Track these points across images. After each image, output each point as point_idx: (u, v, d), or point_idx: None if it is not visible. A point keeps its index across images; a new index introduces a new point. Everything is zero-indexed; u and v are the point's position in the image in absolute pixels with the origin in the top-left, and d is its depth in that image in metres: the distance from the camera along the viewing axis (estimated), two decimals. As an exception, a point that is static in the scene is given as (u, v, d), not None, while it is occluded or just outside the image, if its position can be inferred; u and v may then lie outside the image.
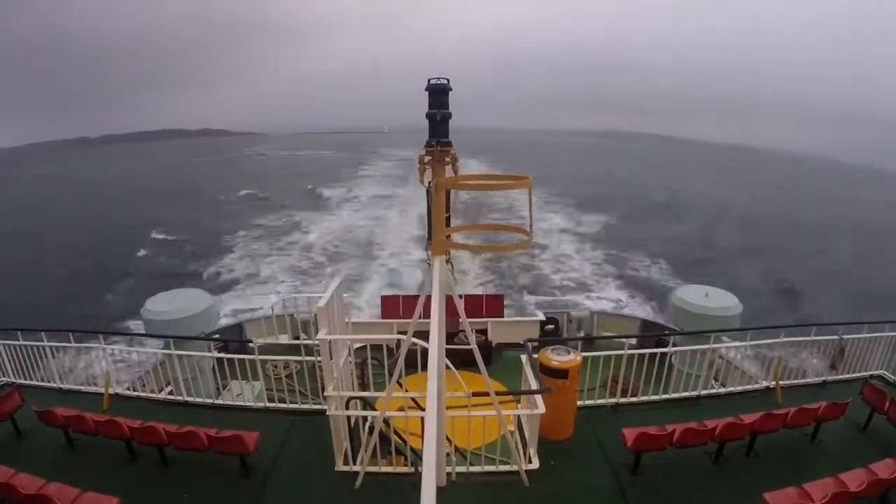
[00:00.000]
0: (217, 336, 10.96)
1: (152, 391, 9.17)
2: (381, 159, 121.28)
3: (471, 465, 6.85)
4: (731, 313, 9.50)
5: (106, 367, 8.90)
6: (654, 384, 8.75)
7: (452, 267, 6.07)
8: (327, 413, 6.50)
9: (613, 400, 8.61)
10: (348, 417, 6.72)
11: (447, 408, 6.20)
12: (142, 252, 44.42)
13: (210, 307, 9.71)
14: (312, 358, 8.39)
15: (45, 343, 9.32)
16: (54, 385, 9.27)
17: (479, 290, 29.91)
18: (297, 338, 12.02)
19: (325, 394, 6.48)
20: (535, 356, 7.68)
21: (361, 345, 9.28)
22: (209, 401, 8.82)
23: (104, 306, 30.95)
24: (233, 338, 11.92)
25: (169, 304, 9.32)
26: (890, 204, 72.73)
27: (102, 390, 8.66)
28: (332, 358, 6.35)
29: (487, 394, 6.25)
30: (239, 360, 8.78)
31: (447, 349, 6.05)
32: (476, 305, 12.14)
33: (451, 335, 8.66)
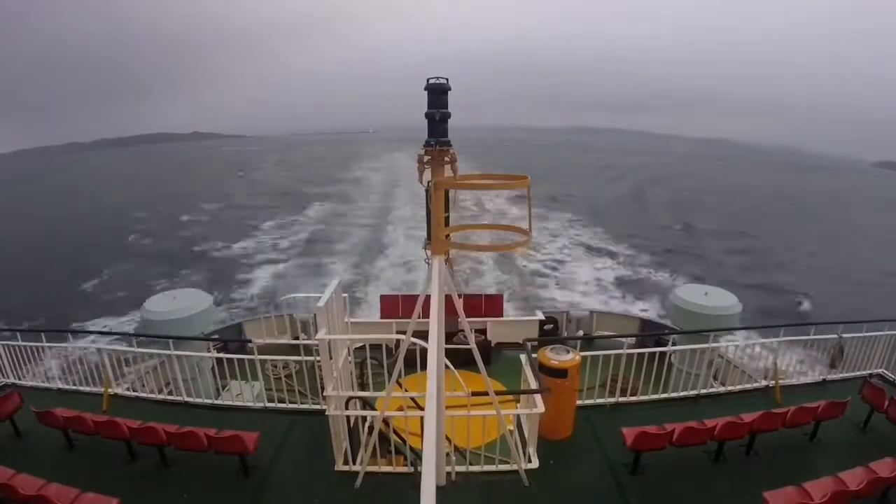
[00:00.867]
0: (216, 336, 10.96)
1: (152, 391, 9.16)
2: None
3: (470, 464, 6.85)
4: (731, 312, 9.51)
5: (106, 367, 8.90)
6: (654, 383, 8.75)
7: (452, 267, 6.07)
8: (327, 413, 6.50)
9: (613, 399, 8.61)
10: (348, 417, 6.72)
11: (447, 407, 6.20)
12: (144, 250, 44.90)
13: (210, 307, 9.71)
14: (312, 358, 8.39)
15: (45, 343, 9.31)
16: (54, 385, 9.26)
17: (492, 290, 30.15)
18: (297, 338, 12.02)
19: (324, 394, 6.47)
20: (534, 356, 7.69)
21: (361, 344, 9.28)
22: (209, 401, 8.81)
23: (104, 306, 30.97)
24: (232, 338, 11.91)
25: (168, 305, 9.32)
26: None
27: (102, 390, 8.65)
28: (331, 358, 6.35)
29: (487, 393, 6.26)
30: (238, 360, 8.78)
31: (446, 349, 6.05)
32: (475, 305, 12.14)
33: (451, 335, 8.66)
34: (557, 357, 7.66)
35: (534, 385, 7.06)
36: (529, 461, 7.02)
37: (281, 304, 12.92)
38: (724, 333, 9.49)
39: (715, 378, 10.02)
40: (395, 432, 6.90)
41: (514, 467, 6.71)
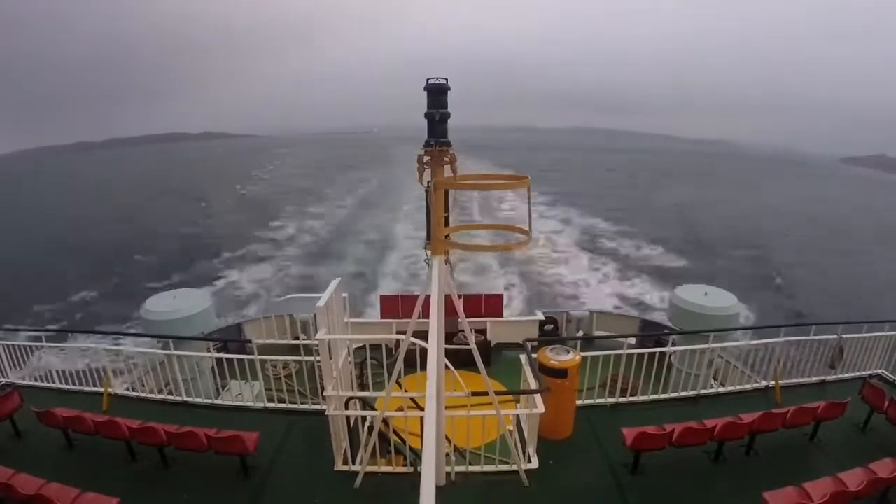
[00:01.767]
0: (216, 336, 10.96)
1: (152, 391, 9.16)
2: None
3: (470, 464, 6.85)
4: (731, 313, 9.50)
5: (106, 367, 8.90)
6: (654, 384, 8.75)
7: (451, 267, 6.07)
8: (326, 413, 6.50)
9: (612, 399, 8.61)
10: (347, 417, 6.72)
11: (446, 407, 6.20)
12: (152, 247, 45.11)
13: (209, 307, 9.71)
14: (312, 358, 8.39)
15: (45, 343, 9.32)
16: (54, 385, 9.26)
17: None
18: (297, 338, 12.02)
19: (324, 394, 6.47)
20: (534, 356, 7.69)
21: (360, 345, 9.28)
22: (208, 401, 8.82)
23: (104, 306, 30.98)
24: (232, 338, 11.91)
25: (168, 305, 9.32)
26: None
27: (102, 390, 8.65)
28: (331, 358, 6.35)
29: (486, 393, 6.26)
30: (238, 360, 8.78)
31: (446, 349, 6.05)
32: (475, 305, 12.14)
33: (451, 335, 8.66)
34: (557, 357, 7.66)
35: (534, 385, 7.06)
36: (529, 461, 7.02)
37: (281, 304, 12.93)
38: (724, 333, 9.50)
39: (715, 378, 10.02)
40: (395, 432, 6.90)
41: (514, 467, 6.71)
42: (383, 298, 12.88)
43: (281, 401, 8.67)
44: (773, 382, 8.92)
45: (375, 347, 8.18)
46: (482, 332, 11.72)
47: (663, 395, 8.78)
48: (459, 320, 6.26)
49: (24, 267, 39.04)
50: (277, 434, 7.66)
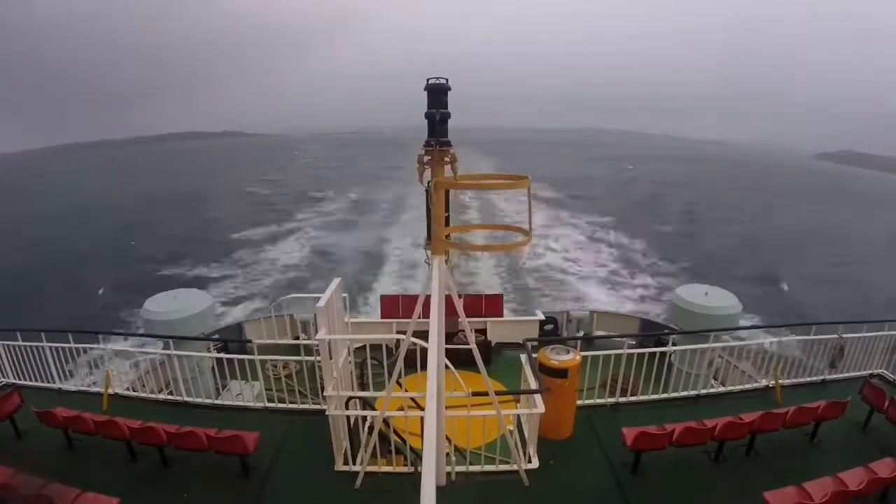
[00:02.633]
0: (216, 336, 10.96)
1: (152, 391, 9.17)
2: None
3: (470, 464, 6.85)
4: (731, 312, 9.50)
5: (106, 367, 8.90)
6: (654, 383, 8.75)
7: (452, 267, 6.06)
8: (327, 413, 6.50)
9: (613, 399, 8.60)
10: (348, 417, 6.72)
11: (447, 407, 6.20)
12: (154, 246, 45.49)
13: (210, 307, 9.70)
14: (312, 358, 8.38)
15: (45, 344, 9.31)
16: (54, 386, 9.26)
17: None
18: (297, 338, 12.01)
19: (324, 394, 6.47)
20: (534, 356, 7.68)
21: (361, 345, 9.27)
22: (209, 401, 8.81)
23: (104, 306, 30.96)
24: (232, 338, 11.91)
25: (168, 305, 9.32)
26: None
27: (102, 390, 8.65)
28: (331, 358, 6.35)
29: (487, 393, 6.25)
30: (238, 360, 8.78)
31: (446, 349, 6.05)
32: (475, 305, 12.14)
33: (451, 335, 8.66)
34: (557, 357, 7.66)
35: (534, 385, 7.06)
36: (529, 461, 7.02)
37: (281, 304, 12.92)
38: (725, 333, 9.49)
39: (715, 378, 10.02)
40: (395, 432, 6.90)
41: (515, 467, 6.71)
42: (384, 298, 12.88)
43: (281, 401, 8.67)
44: (774, 382, 8.91)
45: (376, 347, 8.18)
46: (482, 331, 11.72)
47: (664, 395, 8.77)
48: (459, 320, 6.26)
49: (24, 266, 39.03)
50: (277, 434, 7.65)
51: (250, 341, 9.20)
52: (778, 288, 36.92)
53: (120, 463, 6.99)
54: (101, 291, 33.30)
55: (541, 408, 6.73)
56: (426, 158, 5.44)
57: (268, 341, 10.64)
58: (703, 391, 8.89)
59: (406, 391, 6.52)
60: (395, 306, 12.24)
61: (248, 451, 6.68)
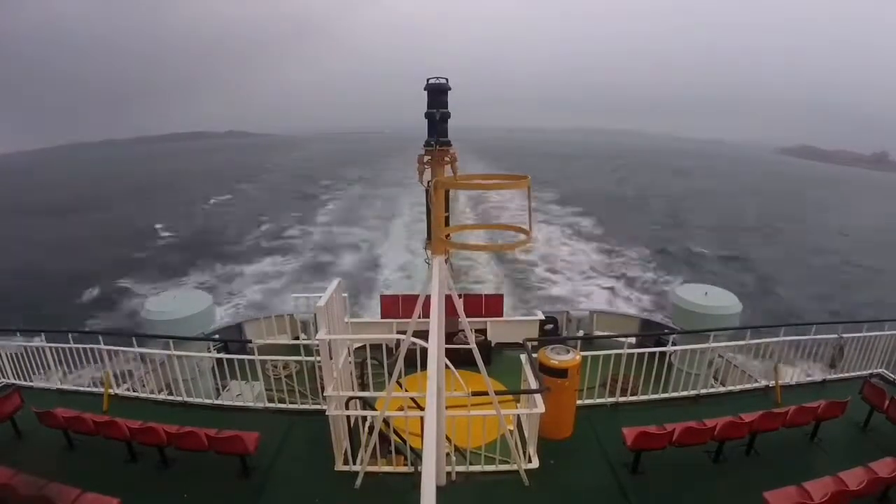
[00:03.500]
0: (217, 336, 10.96)
1: (152, 392, 9.17)
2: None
3: (470, 464, 6.85)
4: (731, 312, 9.50)
5: (106, 367, 8.90)
6: (654, 383, 8.75)
7: (452, 266, 6.07)
8: (327, 413, 6.50)
9: (613, 399, 8.61)
10: (348, 417, 6.72)
11: (447, 407, 6.20)
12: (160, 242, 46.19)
13: (210, 307, 9.70)
14: (312, 358, 8.38)
15: (45, 344, 9.31)
16: (54, 386, 9.26)
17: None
18: (297, 338, 12.01)
19: (324, 394, 6.47)
20: (534, 355, 7.68)
21: (361, 344, 9.27)
22: (209, 401, 8.81)
23: (104, 306, 30.97)
24: (232, 338, 11.91)
25: (169, 305, 9.32)
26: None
27: (102, 391, 8.65)
28: (331, 358, 6.35)
29: (487, 393, 6.26)
30: (238, 360, 8.78)
31: (446, 349, 6.05)
32: (475, 305, 12.14)
33: (451, 335, 8.67)
34: (557, 357, 7.66)
35: (534, 385, 7.06)
36: (529, 461, 7.02)
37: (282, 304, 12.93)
38: (724, 333, 9.50)
39: (715, 378, 10.02)
40: (396, 432, 6.90)
41: (515, 467, 6.71)
42: (384, 298, 12.88)
43: (281, 401, 8.67)
44: (774, 382, 8.91)
45: (376, 347, 8.18)
46: (482, 331, 11.71)
47: (664, 395, 8.77)
48: (459, 320, 6.26)
49: (23, 266, 39.02)
50: (277, 434, 7.65)
51: (250, 341, 9.20)
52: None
53: (120, 463, 6.99)
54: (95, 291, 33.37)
55: (541, 408, 6.73)
56: (426, 158, 5.44)
57: (268, 341, 10.65)
58: (703, 391, 8.89)
59: (406, 391, 6.52)
60: (395, 306, 12.24)
61: (248, 452, 6.68)
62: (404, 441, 6.71)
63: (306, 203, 66.37)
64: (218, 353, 9.43)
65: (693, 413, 7.54)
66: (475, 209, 56.85)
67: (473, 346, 6.15)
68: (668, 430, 6.76)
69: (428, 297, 5.45)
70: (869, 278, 38.70)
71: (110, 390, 8.64)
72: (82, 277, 36.09)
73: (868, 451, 6.91)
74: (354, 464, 6.79)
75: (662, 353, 8.80)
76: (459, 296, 6.52)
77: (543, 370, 7.48)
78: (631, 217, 57.13)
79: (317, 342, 6.32)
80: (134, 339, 9.10)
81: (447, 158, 5.37)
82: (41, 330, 9.67)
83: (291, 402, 8.64)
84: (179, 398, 8.75)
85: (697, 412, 7.67)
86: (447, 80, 5.20)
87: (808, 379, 9.39)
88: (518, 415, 7.55)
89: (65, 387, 9.27)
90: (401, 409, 6.49)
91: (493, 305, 12.46)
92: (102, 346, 9.17)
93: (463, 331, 8.42)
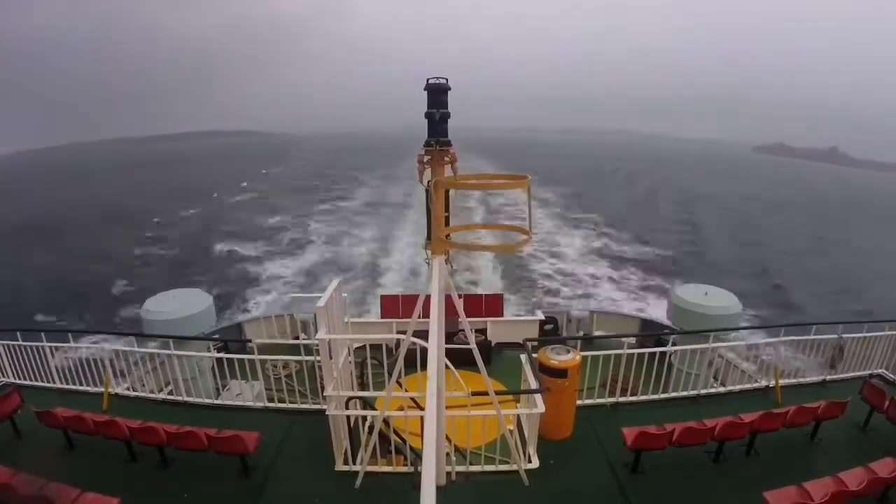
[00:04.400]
0: (216, 336, 10.95)
1: (152, 391, 9.17)
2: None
3: (470, 464, 6.85)
4: (731, 312, 9.50)
5: (106, 367, 8.90)
6: (654, 383, 8.75)
7: (452, 266, 6.06)
8: (327, 413, 6.50)
9: (613, 399, 8.60)
10: (348, 417, 6.72)
11: (447, 407, 6.20)
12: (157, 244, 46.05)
13: (209, 307, 9.70)
14: (312, 358, 8.38)
15: (45, 343, 9.31)
16: (54, 385, 9.25)
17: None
18: (297, 338, 12.01)
19: (324, 393, 6.47)
20: (534, 356, 7.68)
21: (361, 344, 9.27)
22: (209, 401, 8.81)
23: (104, 306, 30.96)
24: (232, 338, 11.91)
25: (168, 304, 9.31)
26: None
27: (102, 390, 8.65)
28: (331, 358, 6.35)
29: (487, 393, 6.25)
30: (238, 360, 8.78)
31: (446, 349, 6.05)
32: (475, 305, 12.14)
33: (451, 335, 8.67)
34: (557, 357, 7.65)
35: (534, 385, 7.06)
36: (529, 461, 7.02)
37: (282, 304, 12.93)
38: (724, 333, 9.49)
39: (715, 378, 10.02)
40: (396, 432, 6.90)
41: (515, 467, 6.71)
42: (384, 298, 12.88)
43: (281, 401, 8.67)
44: (774, 382, 8.91)
45: (376, 347, 8.18)
46: (482, 331, 11.71)
47: (663, 395, 8.77)
48: (459, 320, 6.26)
49: (24, 266, 39.02)
50: (277, 434, 7.65)
51: (250, 341, 9.19)
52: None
53: (120, 463, 6.99)
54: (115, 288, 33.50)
55: (541, 408, 6.73)
56: (426, 158, 5.44)
57: (268, 341, 10.65)
58: (703, 391, 8.89)
59: (406, 391, 6.52)
60: (395, 306, 12.25)
61: (248, 451, 6.68)
62: (404, 441, 6.71)
63: (305, 200, 66.59)
64: (218, 352, 9.43)
65: (693, 413, 7.53)
66: (485, 207, 57.22)
67: (473, 346, 6.15)
68: (668, 431, 6.76)
69: (428, 297, 5.45)
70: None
71: (110, 390, 8.64)
72: (83, 277, 36.13)
73: (868, 452, 6.91)
74: (354, 464, 6.79)
75: (662, 354, 8.79)
76: (459, 296, 6.52)
77: (543, 370, 7.48)
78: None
79: (317, 342, 6.33)
80: (134, 338, 9.10)
81: (447, 158, 5.37)
82: (41, 329, 9.67)
83: (291, 402, 8.64)
84: (179, 398, 8.75)
85: (697, 412, 7.67)
86: (447, 79, 5.20)
87: (808, 379, 9.39)
88: (518, 415, 7.55)
89: (64, 386, 9.27)
90: (401, 409, 6.49)
91: (493, 305, 12.46)
92: (102, 346, 9.17)
93: (463, 331, 8.42)
